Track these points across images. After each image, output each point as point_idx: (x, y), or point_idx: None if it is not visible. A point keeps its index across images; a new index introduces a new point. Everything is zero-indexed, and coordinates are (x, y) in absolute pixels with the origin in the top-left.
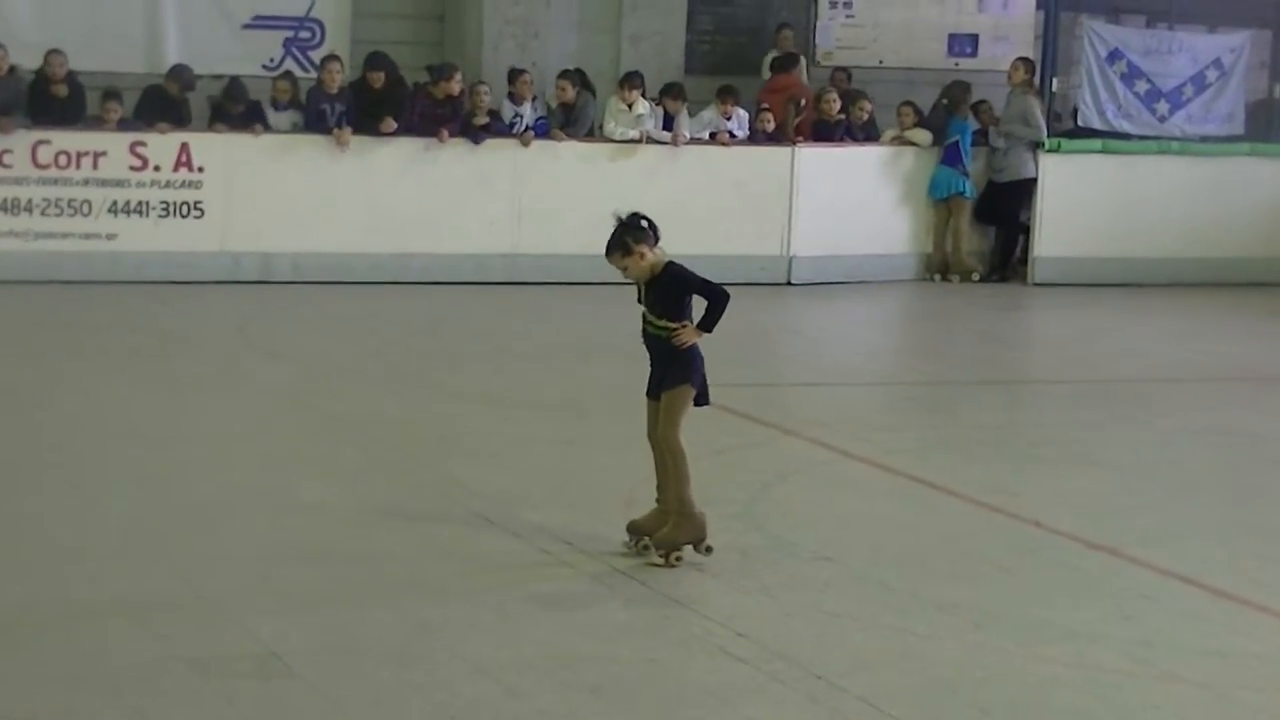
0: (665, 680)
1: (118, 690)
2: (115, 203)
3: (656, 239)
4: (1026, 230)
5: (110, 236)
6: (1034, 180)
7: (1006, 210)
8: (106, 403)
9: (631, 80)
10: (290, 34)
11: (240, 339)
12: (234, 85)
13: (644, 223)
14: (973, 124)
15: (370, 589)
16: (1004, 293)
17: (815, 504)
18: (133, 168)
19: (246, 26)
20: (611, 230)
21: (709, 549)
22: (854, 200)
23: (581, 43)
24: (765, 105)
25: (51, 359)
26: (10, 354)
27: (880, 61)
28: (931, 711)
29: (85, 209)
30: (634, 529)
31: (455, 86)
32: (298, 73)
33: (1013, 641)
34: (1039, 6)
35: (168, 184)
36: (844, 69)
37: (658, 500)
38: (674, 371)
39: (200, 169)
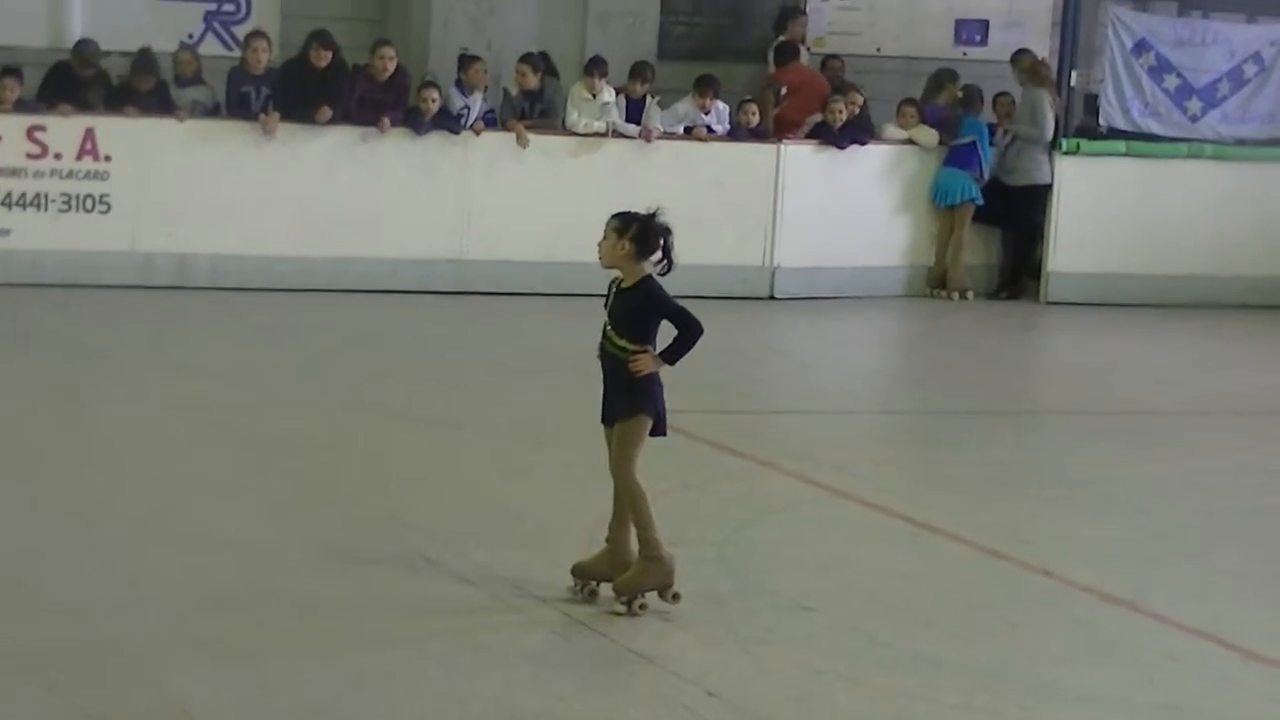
0: None
1: None
2: (9, 194)
3: (650, 254)
4: (1040, 241)
5: (3, 233)
6: (1049, 186)
7: (1018, 217)
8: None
9: (598, 66)
10: (213, 7)
11: (152, 351)
12: (143, 57)
13: (661, 235)
14: (983, 123)
15: (296, 637)
16: (1014, 311)
17: (797, 546)
18: (30, 155)
19: (164, 1)
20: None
21: (676, 596)
22: (846, 206)
23: (543, 23)
24: (782, 93)
25: None
26: None
27: (878, 49)
28: None
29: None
30: (580, 572)
31: (388, 64)
32: (220, 50)
33: (1019, 706)
34: None
35: (70, 174)
36: (837, 57)
37: (607, 539)
38: (629, 399)
39: (107, 158)
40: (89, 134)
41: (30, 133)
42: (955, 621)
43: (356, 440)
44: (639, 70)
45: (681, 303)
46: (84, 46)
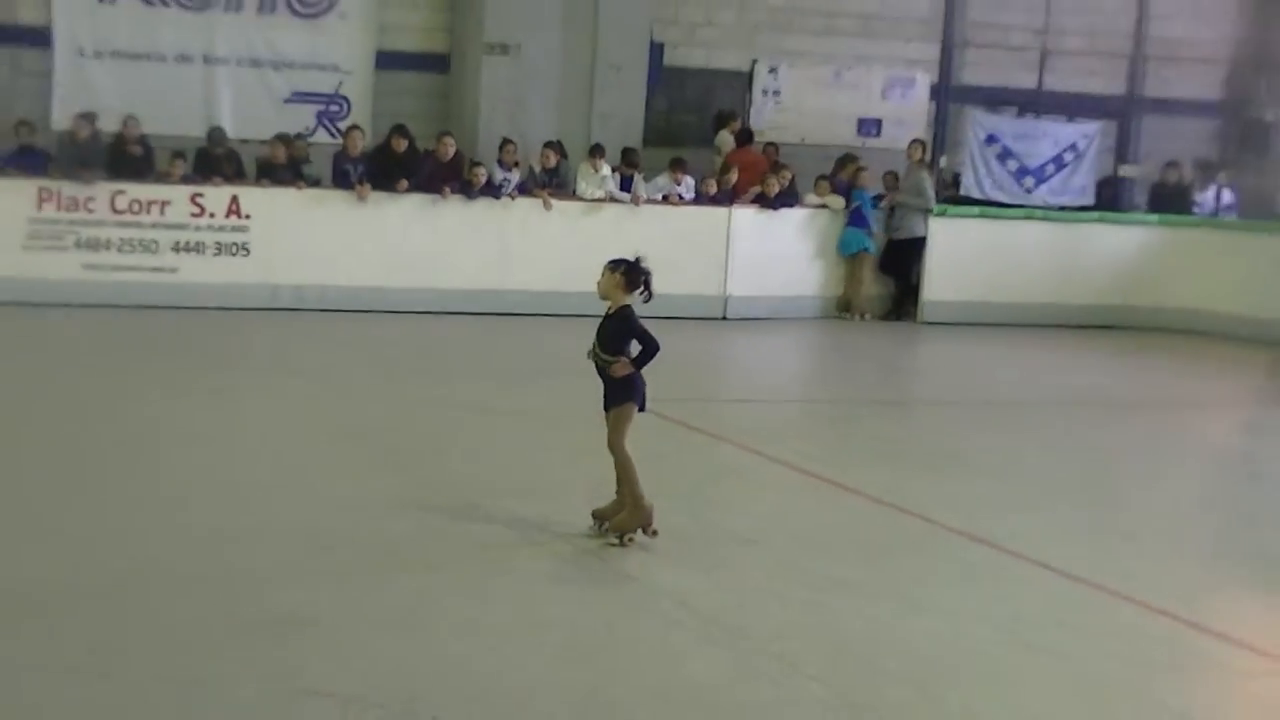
0: (619, 642)
1: (169, 644)
2: (177, 242)
3: (635, 288)
4: (918, 278)
5: (173, 270)
6: (924, 239)
7: (902, 262)
8: (166, 410)
9: (599, 151)
10: (322, 107)
11: (276, 357)
12: (278, 140)
13: (644, 274)
14: (870, 192)
15: (376, 564)
16: (899, 330)
17: (743, 498)
18: (192, 214)
19: (287, 101)
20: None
21: (655, 533)
22: (778, 251)
23: (559, 119)
24: (732, 170)
25: (120, 373)
26: (87, 368)
27: (802, 139)
28: (838, 670)
29: (153, 247)
30: (597, 515)
31: (449, 149)
32: (327, 139)
33: (902, 615)
34: (932, 97)
35: (220, 228)
36: (773, 144)
37: (616, 493)
38: (619, 393)
39: (248, 216)
40: (234, 199)
41: (193, 198)
42: (857, 554)
43: (420, 422)
44: (629, 154)
45: (649, 325)
46: (214, 133)
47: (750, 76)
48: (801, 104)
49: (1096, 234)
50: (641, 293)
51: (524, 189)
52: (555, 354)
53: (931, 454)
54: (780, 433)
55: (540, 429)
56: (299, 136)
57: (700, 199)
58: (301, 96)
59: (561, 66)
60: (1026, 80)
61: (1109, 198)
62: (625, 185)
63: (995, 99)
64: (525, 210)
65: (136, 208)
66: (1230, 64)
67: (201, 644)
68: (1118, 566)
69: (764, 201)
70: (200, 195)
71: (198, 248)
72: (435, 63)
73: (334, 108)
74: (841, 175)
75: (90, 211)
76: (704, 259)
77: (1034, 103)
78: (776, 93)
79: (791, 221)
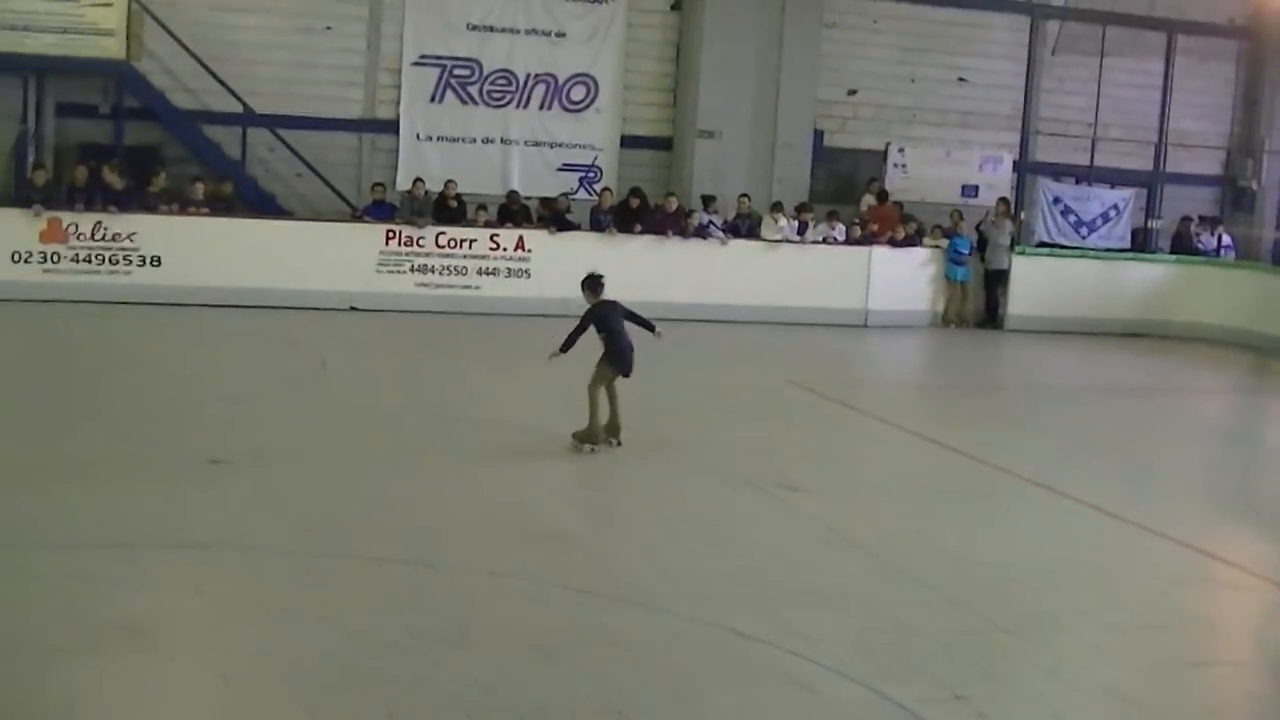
0: (774, 546)
1: (477, 548)
2: (481, 268)
3: (592, 290)
4: (1003, 298)
5: (477, 288)
6: (1007, 270)
7: (991, 287)
8: (484, 381)
9: (778, 206)
10: (583, 174)
11: (545, 350)
12: (554, 200)
13: (599, 279)
14: (971, 238)
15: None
16: (989, 336)
17: (874, 455)
18: (491, 249)
19: (559, 169)
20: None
21: (593, 450)
22: (904, 278)
23: (749, 179)
24: (872, 221)
25: (439, 360)
26: (416, 354)
27: (922, 199)
28: (940, 576)
29: (464, 271)
30: (609, 430)
31: (672, 204)
32: (585, 197)
33: (986, 538)
34: (1014, 170)
35: (510, 258)
36: (899, 203)
37: (612, 414)
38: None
39: (529, 249)
40: (521, 238)
41: (492, 237)
42: (956, 494)
43: (659, 396)
44: (802, 207)
45: (803, 332)
46: (512, 194)
47: (885, 154)
48: (921, 174)
49: (1131, 269)
50: (599, 293)
51: (728, 229)
52: (746, 348)
53: (1008, 422)
54: (903, 407)
55: (737, 400)
56: (564, 195)
57: (849, 240)
58: (568, 166)
59: (751, 146)
60: (1081, 159)
61: (1140, 243)
62: (799, 230)
63: (1059, 171)
64: (728, 249)
65: (453, 244)
66: (1226, 149)
67: (503, 547)
68: (1142, 506)
69: (894, 242)
70: (497, 235)
71: (494, 272)
72: (661, 143)
73: (591, 175)
74: (951, 225)
75: (421, 246)
76: (851, 283)
77: (1087, 175)
78: (904, 166)
79: (914, 256)
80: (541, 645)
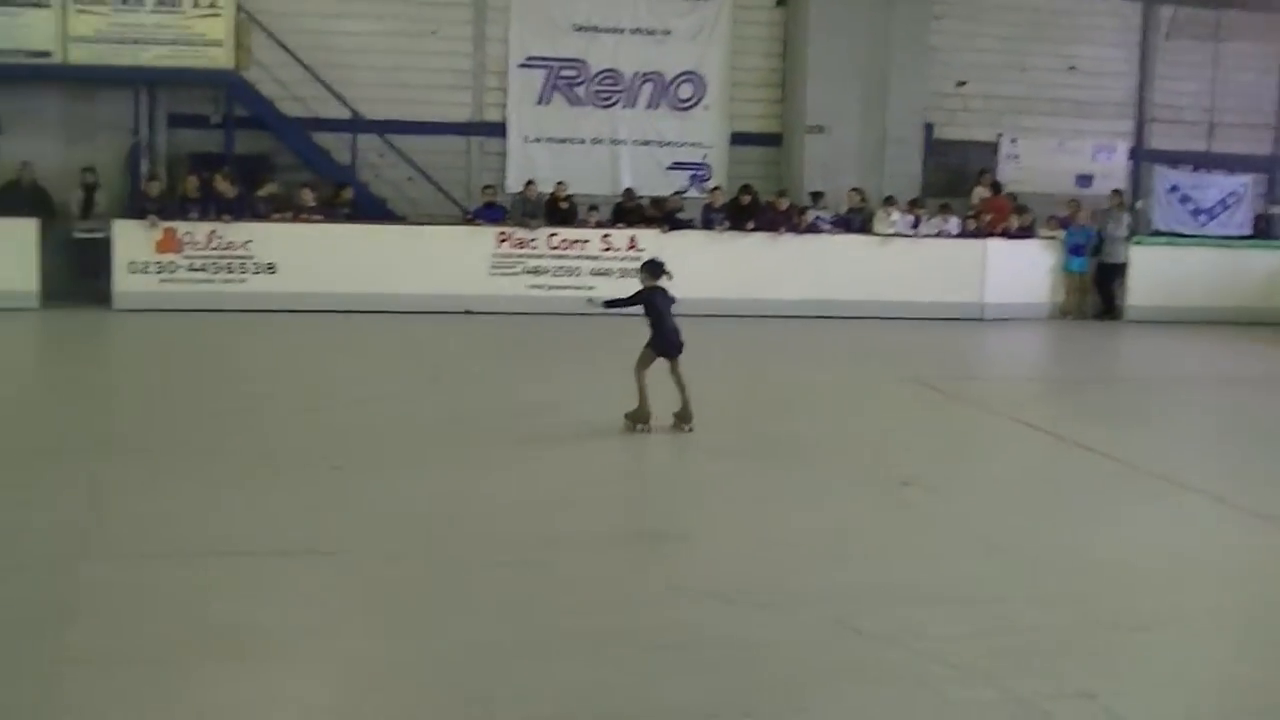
0: (890, 535)
1: (584, 551)
2: (593, 269)
3: (650, 274)
4: (1121, 289)
5: (590, 288)
6: (1125, 263)
7: (1108, 278)
8: (592, 388)
9: (891, 200)
10: (693, 172)
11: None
12: (664, 199)
13: (660, 265)
14: (1090, 228)
15: (738, 482)
16: (1106, 327)
17: (992, 449)
18: (602, 249)
19: (669, 169)
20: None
21: (646, 430)
22: (1019, 270)
23: (860, 178)
24: (985, 213)
25: (551, 362)
26: (528, 357)
27: (1035, 189)
28: (1057, 567)
29: (576, 272)
30: (677, 416)
31: (783, 202)
32: (697, 195)
33: (1103, 530)
34: (1129, 158)
35: (623, 258)
36: (1014, 194)
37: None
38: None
39: (642, 249)
40: (632, 238)
41: (603, 238)
42: (1075, 487)
43: (775, 386)
44: (915, 202)
45: (920, 325)
46: (627, 192)
47: (996, 146)
48: (1034, 165)
49: (1252, 256)
50: (660, 276)
51: (839, 223)
52: (860, 344)
53: (1130, 415)
54: (1022, 401)
55: (854, 396)
56: (678, 194)
57: (963, 234)
58: (678, 165)
59: (860, 141)
60: (1198, 145)
61: (1262, 229)
62: (913, 225)
63: (1175, 159)
64: (838, 242)
65: (564, 245)
66: None
67: (619, 548)
68: (1271, 499)
69: (1008, 234)
70: (608, 235)
71: (607, 272)
72: (770, 140)
73: (701, 173)
74: (1068, 216)
75: (534, 248)
76: (967, 276)
77: (1204, 161)
78: (1016, 157)
79: (1029, 248)
80: (663, 647)
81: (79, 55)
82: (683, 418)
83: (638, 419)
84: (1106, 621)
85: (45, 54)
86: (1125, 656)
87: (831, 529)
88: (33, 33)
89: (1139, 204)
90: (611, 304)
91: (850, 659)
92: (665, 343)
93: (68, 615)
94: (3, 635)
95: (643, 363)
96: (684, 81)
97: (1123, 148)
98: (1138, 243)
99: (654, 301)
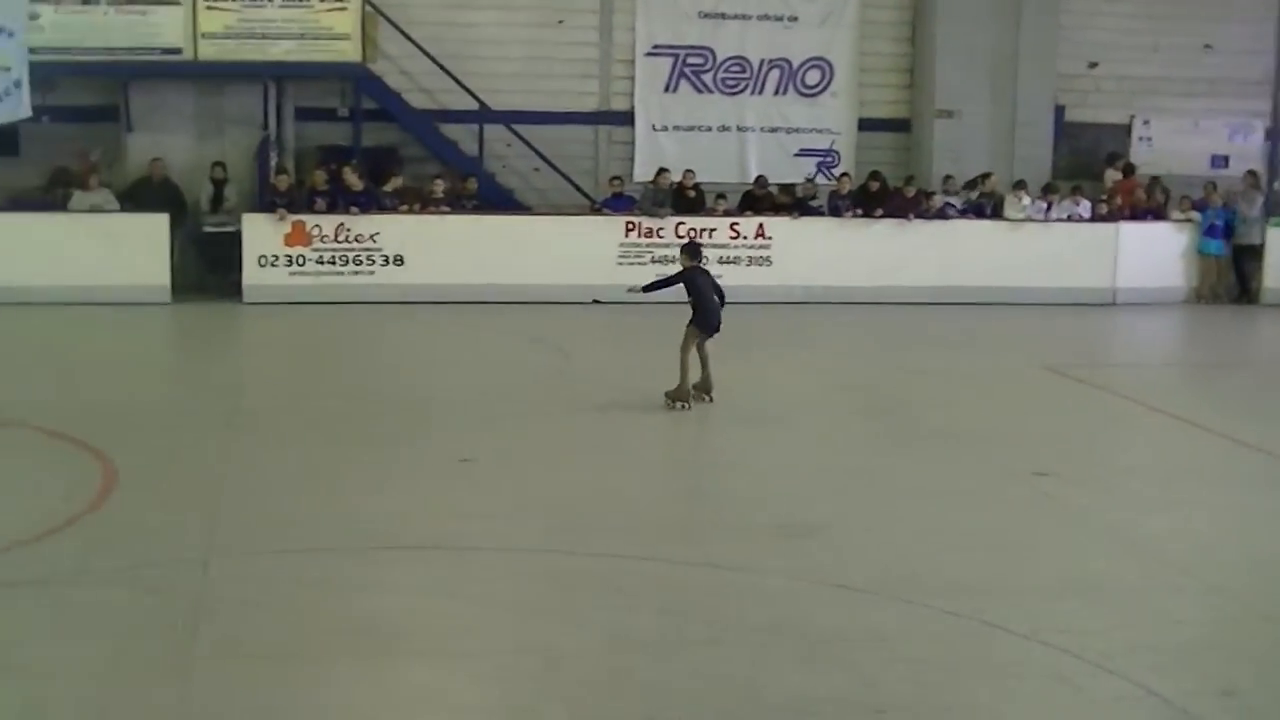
0: (1025, 532)
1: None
2: (721, 257)
3: (690, 256)
4: (1258, 272)
5: (719, 276)
6: (1261, 244)
7: (1244, 261)
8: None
9: (1021, 184)
10: (820, 159)
11: (795, 334)
12: (795, 187)
13: (699, 247)
14: (1226, 209)
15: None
16: (1243, 311)
17: (1126, 438)
18: (730, 238)
19: (796, 155)
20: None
21: (684, 406)
22: (1153, 253)
23: (990, 163)
24: (1117, 195)
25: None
26: (657, 347)
27: (1169, 171)
28: (1195, 561)
29: (704, 261)
30: (699, 387)
31: (910, 189)
32: (824, 182)
33: (1242, 525)
34: (1266, 138)
35: (751, 246)
36: (1156, 176)
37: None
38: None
39: (770, 237)
40: (761, 226)
41: (732, 226)
42: (1212, 478)
43: (892, 380)
44: (1047, 187)
45: (1053, 312)
46: (760, 179)
47: (1129, 128)
48: (1168, 146)
49: None
50: (696, 259)
51: (965, 211)
52: (992, 330)
53: (1269, 402)
54: (1158, 388)
55: (986, 384)
56: (808, 180)
57: (1094, 217)
58: (806, 152)
59: (990, 124)
60: None
61: None
62: (1045, 210)
63: None
64: (966, 227)
65: (693, 233)
66: None
67: (752, 542)
68: None
69: (1135, 212)
70: (737, 224)
71: (736, 260)
72: (899, 125)
73: (829, 159)
74: (1205, 197)
75: (661, 237)
76: (1099, 260)
77: None
78: (1149, 139)
79: (1162, 231)
80: (796, 641)
81: (208, 51)
82: (703, 388)
83: (679, 396)
84: (1245, 615)
85: (176, 50)
86: (1265, 652)
87: (965, 521)
88: (163, 30)
89: (1277, 185)
90: (651, 287)
91: (986, 654)
92: (708, 322)
93: (205, 612)
94: (141, 632)
95: (689, 341)
96: (811, 67)
97: (1260, 127)
98: (1275, 224)
99: (695, 281)
